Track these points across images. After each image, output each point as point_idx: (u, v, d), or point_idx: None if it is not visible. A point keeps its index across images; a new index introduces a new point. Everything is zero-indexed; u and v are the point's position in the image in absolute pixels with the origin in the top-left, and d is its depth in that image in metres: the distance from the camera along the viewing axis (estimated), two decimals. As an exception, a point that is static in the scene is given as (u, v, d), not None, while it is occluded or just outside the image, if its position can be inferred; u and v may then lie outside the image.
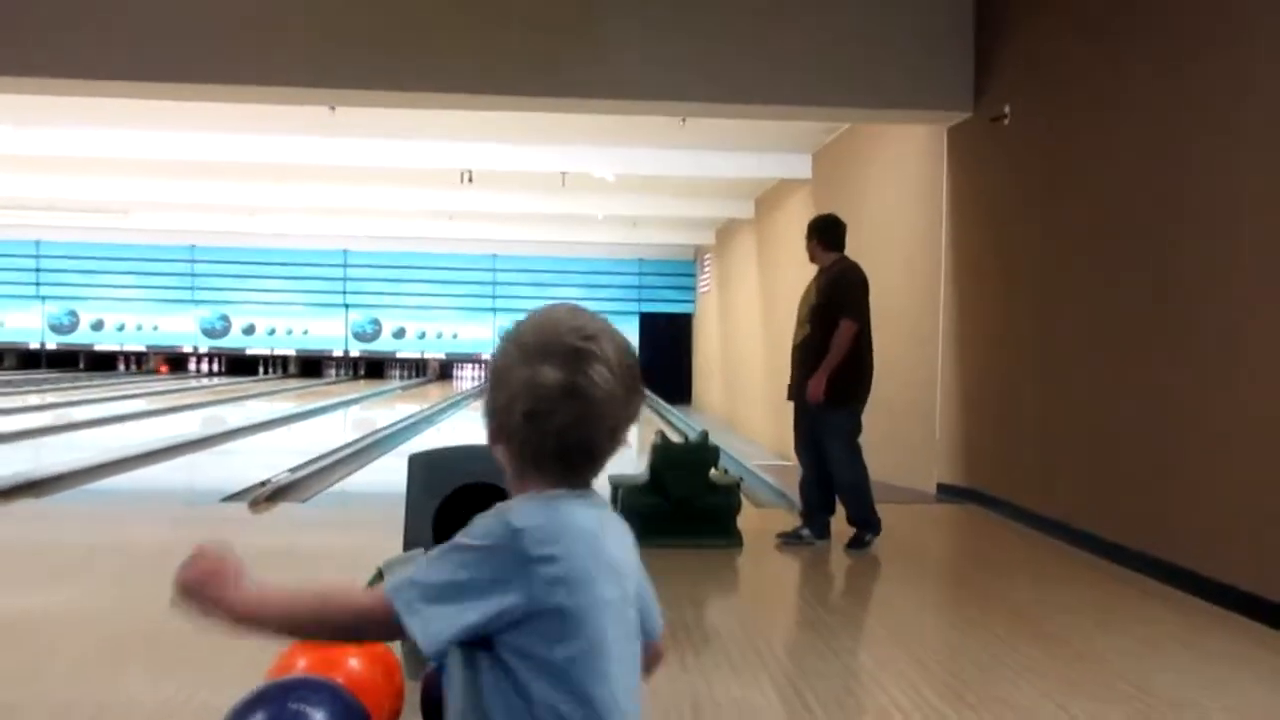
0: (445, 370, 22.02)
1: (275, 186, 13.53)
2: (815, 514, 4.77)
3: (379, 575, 2.43)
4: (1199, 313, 4.11)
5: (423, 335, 21.65)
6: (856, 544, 4.63)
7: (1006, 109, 5.84)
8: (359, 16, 6.03)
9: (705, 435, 4.96)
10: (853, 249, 9.65)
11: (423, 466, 2.76)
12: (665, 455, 4.77)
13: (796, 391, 4.77)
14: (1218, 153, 4.00)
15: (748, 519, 5.29)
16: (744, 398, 14.02)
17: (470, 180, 11.48)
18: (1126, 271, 4.66)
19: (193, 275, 21.39)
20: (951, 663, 3.29)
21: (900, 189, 7.69)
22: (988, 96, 6.12)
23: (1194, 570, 3.94)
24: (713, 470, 4.85)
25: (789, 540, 4.76)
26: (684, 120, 8.29)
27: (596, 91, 6.35)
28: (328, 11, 6.01)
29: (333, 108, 8.06)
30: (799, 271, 10.68)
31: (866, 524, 4.63)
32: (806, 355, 4.73)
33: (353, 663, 1.44)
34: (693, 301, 20.67)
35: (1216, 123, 4.00)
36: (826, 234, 4.93)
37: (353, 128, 9.16)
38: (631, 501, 4.76)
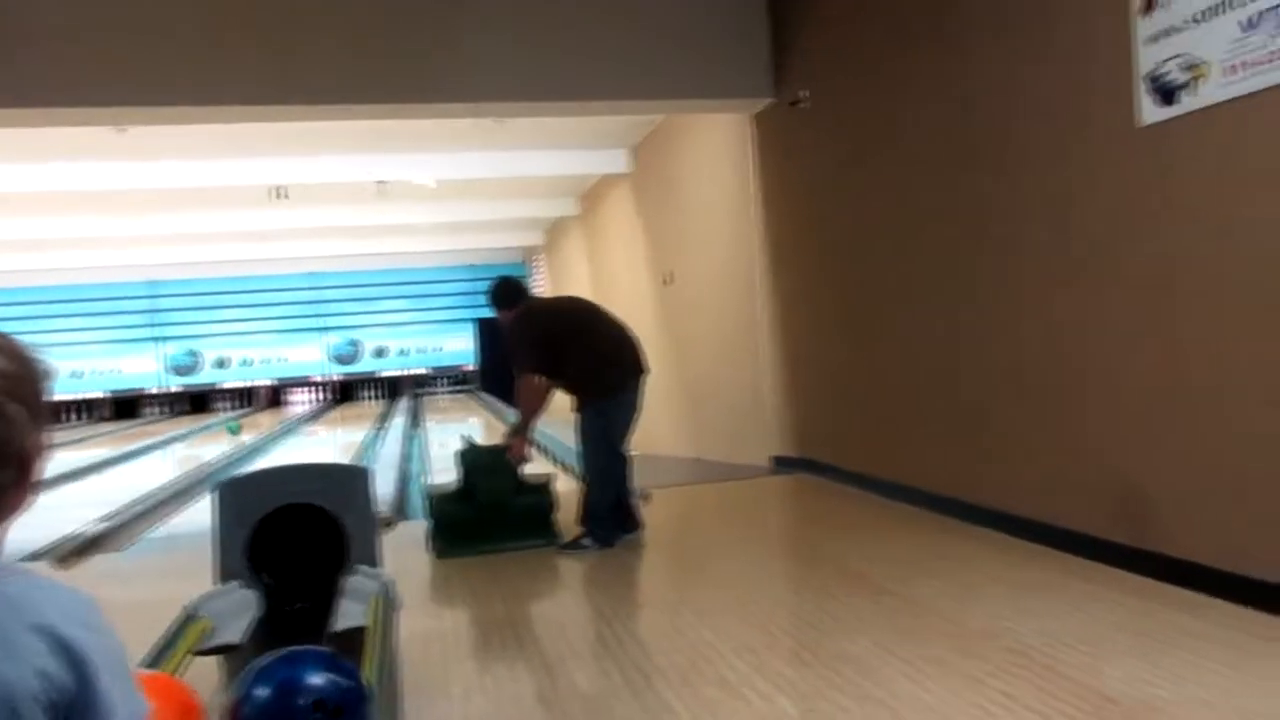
0: (275, 396, 21.03)
1: (66, 218, 12.55)
2: (617, 507, 4.73)
3: (186, 617, 2.30)
4: (984, 268, 4.43)
5: (247, 362, 20.62)
6: (574, 546, 4.59)
7: (804, 93, 6.10)
8: (147, 30, 5.64)
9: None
10: (673, 239, 9.86)
11: (231, 493, 2.61)
12: (472, 460, 4.70)
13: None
14: (997, 118, 4.30)
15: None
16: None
17: (282, 196, 11.01)
18: (921, 236, 4.96)
19: (-21, 320, 19.55)
20: (790, 625, 3.41)
21: (715, 177, 7.90)
22: (787, 81, 6.37)
23: (1004, 510, 4.25)
24: (523, 470, 4.78)
25: (569, 548, 4.64)
26: (500, 121, 8.24)
27: (407, 97, 6.21)
28: (109, 25, 5.59)
29: (122, 128, 7.55)
30: (628, 264, 10.84)
31: (588, 530, 4.62)
32: (572, 387, 4.77)
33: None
34: (528, 304, 20.56)
35: (997, 89, 4.29)
36: (503, 300, 4.85)
37: (146, 149, 8.60)
38: (442, 510, 4.68)
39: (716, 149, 7.78)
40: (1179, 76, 3.19)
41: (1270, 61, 2.89)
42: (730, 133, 7.38)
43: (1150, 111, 3.32)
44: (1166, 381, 3.40)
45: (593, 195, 12.91)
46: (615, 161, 10.63)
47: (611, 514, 4.67)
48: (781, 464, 6.63)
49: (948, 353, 4.78)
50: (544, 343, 4.67)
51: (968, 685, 2.56)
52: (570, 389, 4.73)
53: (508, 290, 4.90)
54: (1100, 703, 2.39)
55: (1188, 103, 3.18)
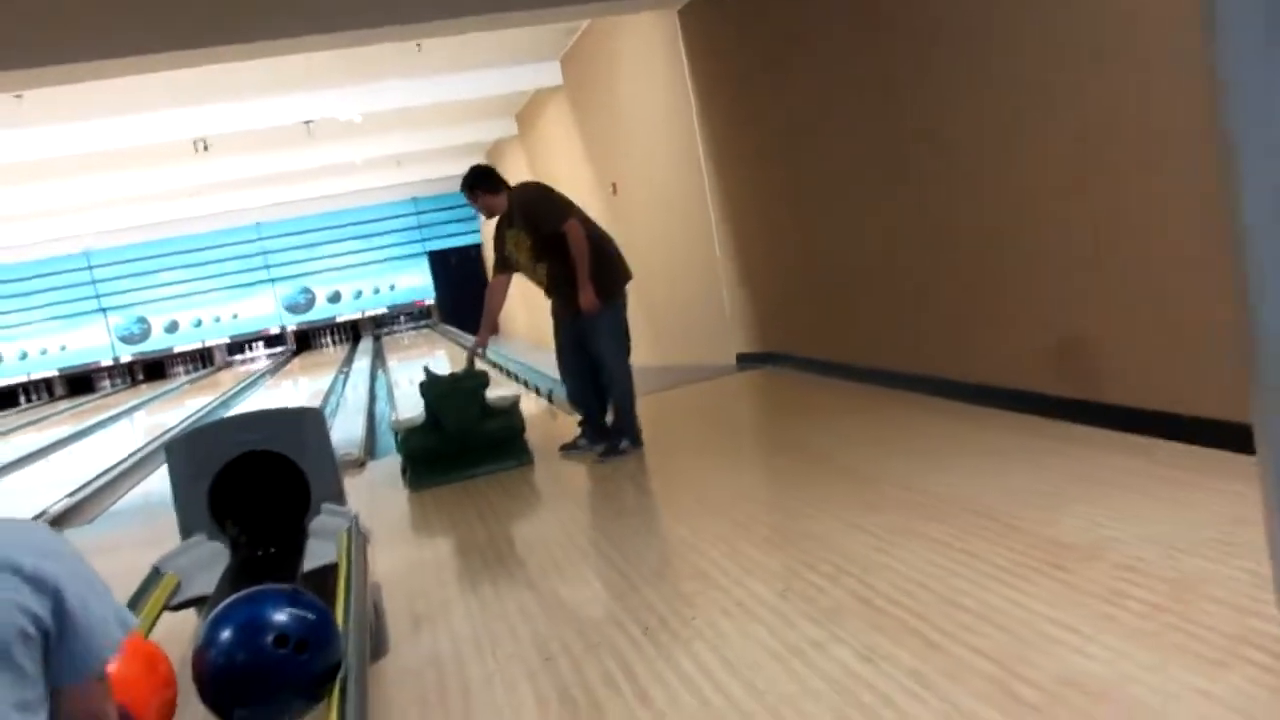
0: (232, 354, 20.77)
1: (-16, 194, 12.07)
2: (592, 420, 4.72)
3: (155, 572, 2.29)
4: (917, 142, 4.39)
5: (199, 323, 20.25)
6: (613, 451, 4.53)
7: (726, -19, 5.94)
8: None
9: (472, 362, 4.88)
10: (611, 144, 9.69)
11: (184, 448, 2.58)
12: (434, 390, 4.67)
13: (564, 313, 4.64)
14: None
15: (566, 427, 5.33)
16: (545, 314, 14.00)
17: (206, 148, 10.65)
18: (855, 119, 4.91)
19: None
20: (762, 513, 3.48)
21: (648, 79, 7.73)
22: (708, -28, 6.19)
23: (962, 380, 4.31)
24: (487, 395, 4.75)
25: (570, 450, 4.76)
26: (419, 45, 7.96)
27: (318, 26, 5.95)
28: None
29: (18, 95, 7.21)
30: (572, 179, 10.67)
31: (626, 431, 4.58)
32: (562, 284, 4.55)
33: (105, 663, 1.35)
34: (478, 231, 20.28)
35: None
36: (484, 182, 4.64)
37: (51, 113, 8.23)
38: (413, 444, 4.68)
39: (647, 50, 7.60)
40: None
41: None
42: (659, 33, 7.19)
43: (1071, -42, 3.26)
44: (1103, 234, 3.42)
45: (529, 113, 12.61)
46: (546, 75, 10.35)
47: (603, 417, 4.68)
48: (746, 360, 6.67)
49: (893, 232, 4.79)
50: (569, 202, 4.55)
51: (934, 550, 2.63)
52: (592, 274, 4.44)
53: (494, 173, 4.71)
54: (1057, 550, 2.47)
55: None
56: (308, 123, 10.58)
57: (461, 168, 18.17)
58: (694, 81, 6.79)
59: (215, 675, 1.39)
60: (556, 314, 4.74)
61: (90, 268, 19.59)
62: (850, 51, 4.82)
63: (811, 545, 2.86)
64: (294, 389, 15.25)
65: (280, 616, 1.40)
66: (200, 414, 11.71)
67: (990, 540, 2.62)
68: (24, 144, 9.08)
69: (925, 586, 2.41)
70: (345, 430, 7.51)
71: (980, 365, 4.21)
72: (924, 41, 4.21)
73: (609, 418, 4.72)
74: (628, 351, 4.62)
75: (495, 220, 4.73)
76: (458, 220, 20.65)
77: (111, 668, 1.37)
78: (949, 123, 4.14)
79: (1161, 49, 3.01)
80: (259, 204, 16.96)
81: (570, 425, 5.11)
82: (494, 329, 4.88)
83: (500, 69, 10.20)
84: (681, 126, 7.09)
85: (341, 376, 13.81)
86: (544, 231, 4.47)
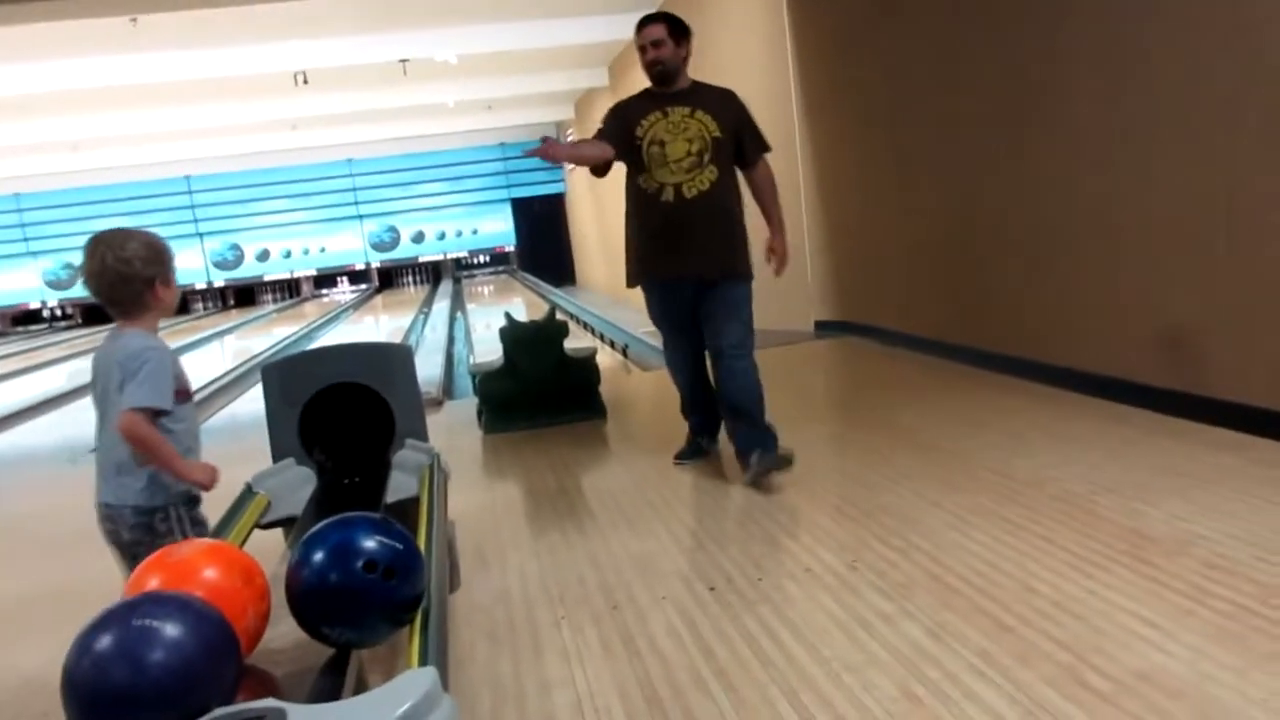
0: (320, 285, 21.38)
1: (94, 116, 12.53)
2: (710, 418, 3.72)
3: (248, 490, 2.38)
4: (1029, 115, 4.24)
5: (288, 254, 20.84)
6: (780, 460, 3.38)
7: (836, -64, 5.77)
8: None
9: (552, 311, 4.88)
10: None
11: (278, 375, 2.67)
12: (513, 336, 4.70)
13: (682, 272, 3.41)
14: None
15: (639, 383, 5.36)
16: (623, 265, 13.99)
17: (305, 82, 10.85)
18: (962, 85, 4.75)
19: (23, 225, 19.93)
20: (835, 483, 3.46)
21: (745, 35, 7.59)
22: (817, -75, 6.02)
23: (1052, 363, 4.20)
24: (566, 345, 4.75)
25: (687, 459, 3.74)
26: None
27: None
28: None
29: (134, 19, 7.44)
30: (660, 133, 10.56)
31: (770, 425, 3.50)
32: (719, 209, 3.39)
33: (207, 573, 1.42)
34: (563, 181, 20.34)
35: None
36: (689, 39, 3.55)
37: (160, 40, 8.46)
38: (488, 388, 4.73)
39: (747, 5, 7.45)
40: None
41: None
42: (760, -14, 7.05)
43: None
44: (1222, 223, 3.27)
45: (621, 62, 12.52)
46: (642, 25, 10.25)
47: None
48: (824, 328, 6.60)
49: (993, 205, 4.65)
50: None
51: (1010, 532, 2.59)
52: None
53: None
54: (1138, 541, 2.41)
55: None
56: (404, 61, 10.68)
57: (550, 115, 18.15)
58: (794, 41, 6.64)
59: (307, 593, 1.45)
60: (661, 272, 3.49)
61: (190, 192, 20.26)
62: (962, 15, 4.65)
63: (885, 519, 2.84)
64: (375, 325, 15.61)
65: (371, 543, 1.45)
66: (287, 342, 12.08)
67: (1071, 528, 2.57)
68: (134, 68, 9.37)
69: (1000, 569, 2.37)
70: (423, 370, 7.64)
71: (1078, 350, 4.09)
72: (1049, 7, 4.04)
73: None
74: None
75: (626, 101, 3.60)
76: (543, 169, 20.71)
77: (214, 578, 1.44)
78: (1066, 96, 3.98)
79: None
80: (352, 140, 17.26)
81: (645, 383, 5.13)
82: (579, 162, 3.62)
83: (596, 16, 10.13)
84: (777, 84, 6.96)
85: (422, 316, 14.08)
86: (747, 143, 3.50)
